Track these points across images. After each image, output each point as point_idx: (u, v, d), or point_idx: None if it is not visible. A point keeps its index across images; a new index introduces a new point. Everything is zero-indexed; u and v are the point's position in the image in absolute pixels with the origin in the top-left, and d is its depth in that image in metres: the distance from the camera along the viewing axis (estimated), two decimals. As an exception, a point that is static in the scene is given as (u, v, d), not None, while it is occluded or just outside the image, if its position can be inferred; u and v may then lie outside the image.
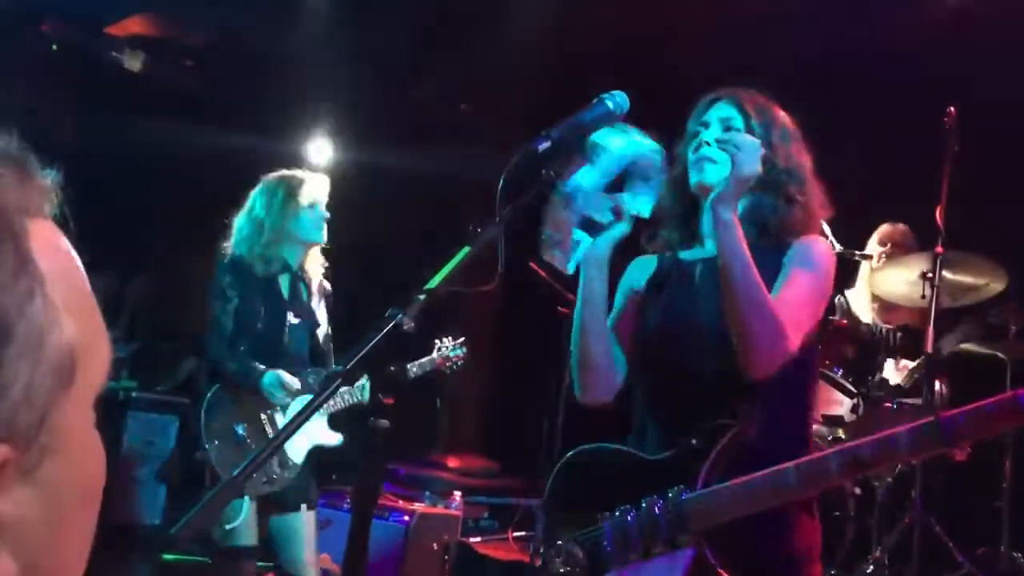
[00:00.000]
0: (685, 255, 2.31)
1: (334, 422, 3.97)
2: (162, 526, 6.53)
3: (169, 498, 6.66)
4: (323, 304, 4.08)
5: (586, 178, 1.97)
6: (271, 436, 3.73)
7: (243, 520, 3.61)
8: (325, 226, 3.95)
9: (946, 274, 4.03)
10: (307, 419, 1.53)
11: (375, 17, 6.35)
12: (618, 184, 2.06)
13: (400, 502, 4.74)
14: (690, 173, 2.23)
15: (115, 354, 0.74)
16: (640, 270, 2.37)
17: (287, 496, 3.74)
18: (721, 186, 2.05)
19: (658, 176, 2.08)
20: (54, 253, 0.70)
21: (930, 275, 3.98)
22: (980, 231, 4.23)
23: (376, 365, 1.54)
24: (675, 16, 5.74)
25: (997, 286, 4.25)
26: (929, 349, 3.90)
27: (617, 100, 1.92)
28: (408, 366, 4.07)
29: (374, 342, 1.58)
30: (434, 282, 1.68)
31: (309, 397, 3.67)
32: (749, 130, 2.20)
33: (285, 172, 4.02)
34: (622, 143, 1.99)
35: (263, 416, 3.79)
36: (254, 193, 3.97)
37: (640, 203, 2.07)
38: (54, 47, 6.12)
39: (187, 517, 1.41)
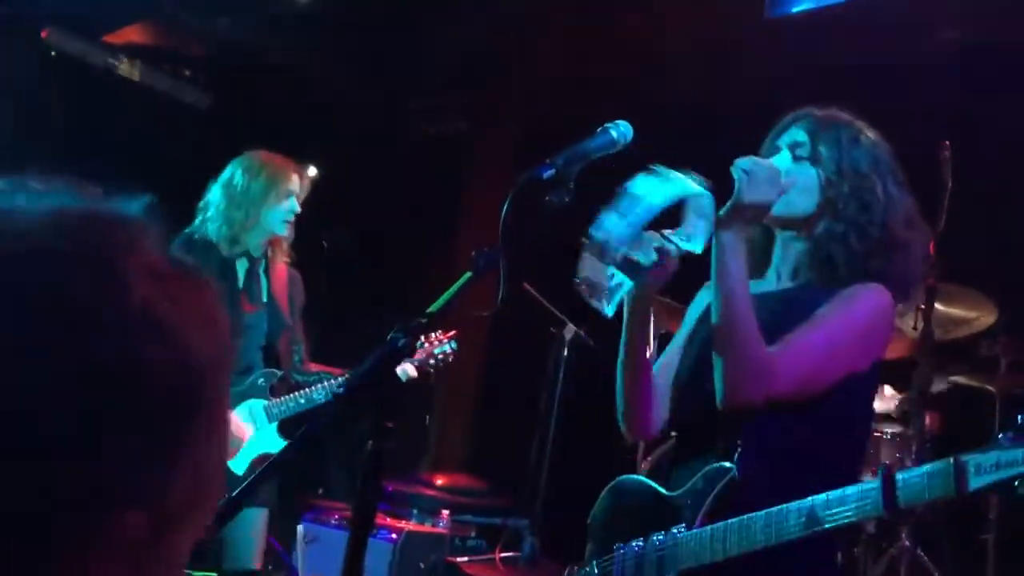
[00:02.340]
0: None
1: (285, 429, 3.70)
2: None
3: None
4: (291, 296, 3.77)
5: (615, 226, 1.93)
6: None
7: None
8: (292, 221, 3.72)
9: (938, 306, 4.05)
10: (306, 441, 1.54)
11: (373, 30, 6.37)
12: (667, 221, 2.00)
13: (388, 519, 4.71)
14: None
15: None
16: (702, 301, 2.29)
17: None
18: (723, 210, 2.00)
19: (711, 213, 2.00)
20: None
21: (923, 307, 4.00)
22: (972, 264, 4.26)
23: (377, 388, 1.55)
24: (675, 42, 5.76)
25: (988, 319, 4.27)
26: (919, 380, 3.92)
27: (621, 129, 1.89)
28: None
29: (374, 365, 1.59)
30: (435, 306, 1.69)
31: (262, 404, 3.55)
32: (815, 156, 2.14)
33: (269, 155, 3.79)
34: (655, 191, 1.94)
35: None
36: (235, 167, 3.73)
37: (694, 241, 2.01)
38: (52, 54, 6.12)
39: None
